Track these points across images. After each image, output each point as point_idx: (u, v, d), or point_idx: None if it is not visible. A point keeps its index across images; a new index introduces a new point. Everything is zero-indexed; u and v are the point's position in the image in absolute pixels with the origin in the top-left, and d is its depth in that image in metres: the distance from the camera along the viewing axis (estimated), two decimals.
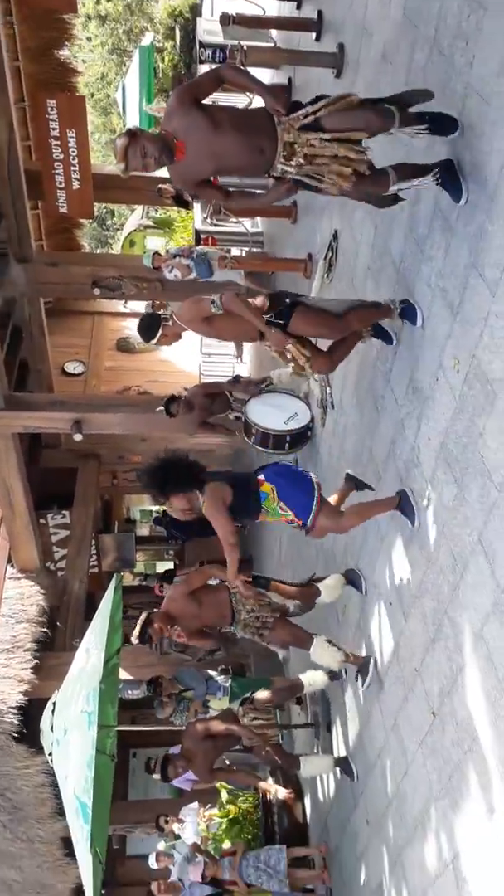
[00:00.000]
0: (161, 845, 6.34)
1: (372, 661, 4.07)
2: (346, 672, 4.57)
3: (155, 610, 4.52)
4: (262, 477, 3.65)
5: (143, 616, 4.46)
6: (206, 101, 2.97)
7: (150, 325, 4.94)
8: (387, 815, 3.84)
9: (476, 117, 2.84)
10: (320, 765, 4.85)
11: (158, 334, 4.87)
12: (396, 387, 3.78)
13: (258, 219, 8.83)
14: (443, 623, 3.13)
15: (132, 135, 2.86)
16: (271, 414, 4.72)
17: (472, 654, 2.85)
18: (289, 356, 3.68)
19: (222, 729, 4.67)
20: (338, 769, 4.70)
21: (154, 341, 4.95)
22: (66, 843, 7.62)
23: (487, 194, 2.74)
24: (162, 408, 5.80)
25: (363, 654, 4.27)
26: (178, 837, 6.47)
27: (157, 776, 5.05)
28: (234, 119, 2.89)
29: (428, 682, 3.29)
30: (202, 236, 7.54)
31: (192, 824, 6.26)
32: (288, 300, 3.71)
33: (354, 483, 4.08)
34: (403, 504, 3.53)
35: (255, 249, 8.20)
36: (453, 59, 3.11)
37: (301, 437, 4.90)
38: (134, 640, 4.56)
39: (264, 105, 2.93)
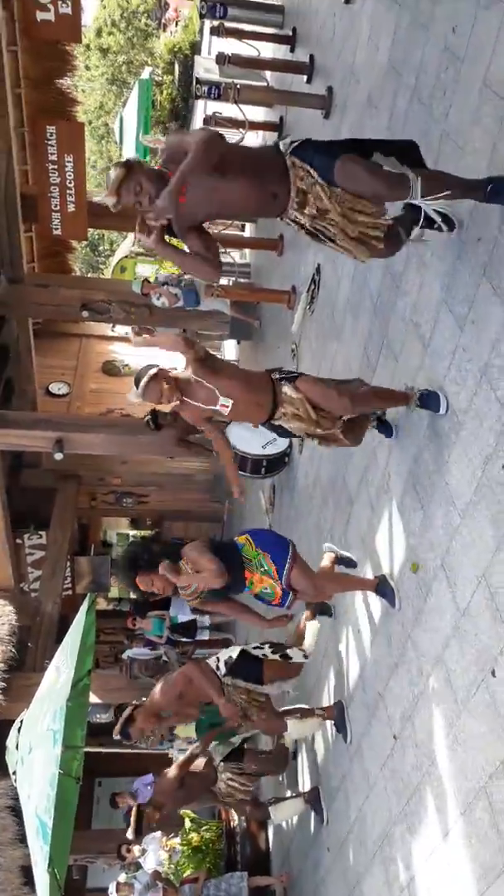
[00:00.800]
0: (122, 876, 6.23)
1: (344, 709, 4.03)
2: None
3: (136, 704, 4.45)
4: (237, 537, 3.66)
5: (126, 712, 4.40)
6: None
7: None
8: (347, 842, 3.84)
9: (451, 164, 3.00)
10: (290, 809, 4.81)
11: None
12: None
13: (246, 250, 9.04)
14: (406, 647, 3.19)
15: (129, 167, 2.58)
16: (250, 438, 4.81)
17: (433, 678, 2.91)
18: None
19: (191, 769, 4.67)
20: (308, 806, 4.66)
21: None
22: (26, 872, 7.43)
23: (461, 235, 2.88)
24: (149, 417, 5.78)
25: (328, 703, 4.29)
26: (139, 867, 6.36)
27: (129, 835, 5.01)
28: (244, 162, 2.62)
29: (391, 706, 3.33)
30: None
31: (154, 853, 6.17)
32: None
33: (336, 558, 3.93)
34: (382, 588, 3.46)
35: (241, 280, 8.38)
36: (431, 107, 3.29)
37: (278, 463, 4.99)
38: (115, 735, 4.52)
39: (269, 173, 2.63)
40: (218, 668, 3.98)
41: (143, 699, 4.26)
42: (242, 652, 4.01)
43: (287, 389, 3.03)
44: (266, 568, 3.48)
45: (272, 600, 3.49)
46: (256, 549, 3.51)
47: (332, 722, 4.14)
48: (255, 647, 4.06)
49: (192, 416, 3.18)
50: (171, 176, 2.54)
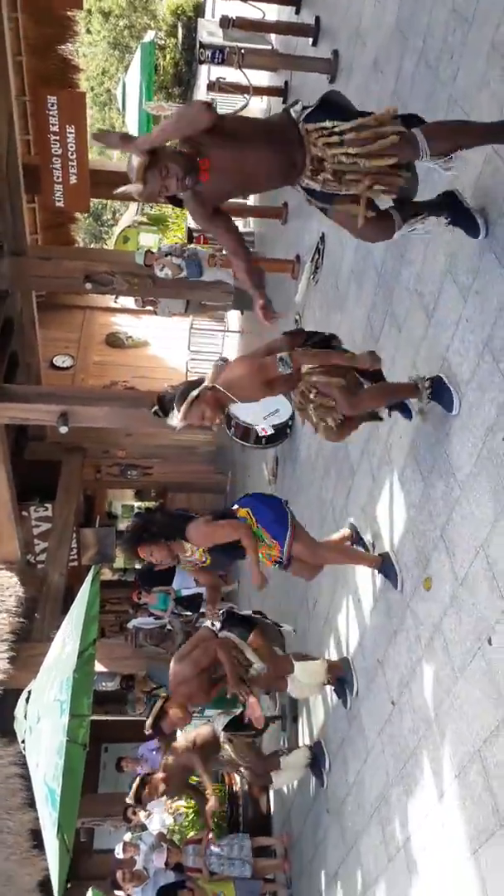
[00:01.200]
0: (127, 836, 6.39)
1: (350, 674, 4.00)
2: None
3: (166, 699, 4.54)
4: (235, 507, 3.67)
5: (157, 705, 4.51)
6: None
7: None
8: (346, 803, 3.93)
9: None
10: (290, 775, 4.89)
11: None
12: None
13: (249, 219, 8.94)
14: (405, 615, 3.23)
15: (153, 153, 2.46)
16: (253, 409, 4.81)
17: (431, 645, 2.95)
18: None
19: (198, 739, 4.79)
20: (307, 770, 4.74)
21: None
22: (35, 835, 7.64)
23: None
24: (156, 408, 5.78)
25: (331, 657, 4.33)
26: (145, 828, 6.52)
27: (128, 799, 5.16)
28: (261, 130, 2.56)
29: (389, 672, 3.39)
30: (194, 234, 7.63)
31: (159, 815, 6.31)
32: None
33: (355, 533, 3.93)
34: (385, 567, 3.45)
35: None
36: (438, 70, 3.23)
37: (280, 434, 5.00)
38: (147, 730, 4.69)
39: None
40: (213, 624, 4.08)
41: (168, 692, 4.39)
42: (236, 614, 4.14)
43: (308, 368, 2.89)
44: (267, 542, 3.53)
45: (268, 561, 3.59)
46: (258, 526, 3.54)
47: (333, 687, 4.19)
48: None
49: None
50: (195, 155, 2.48)
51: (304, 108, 2.57)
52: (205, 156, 2.47)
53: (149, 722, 4.52)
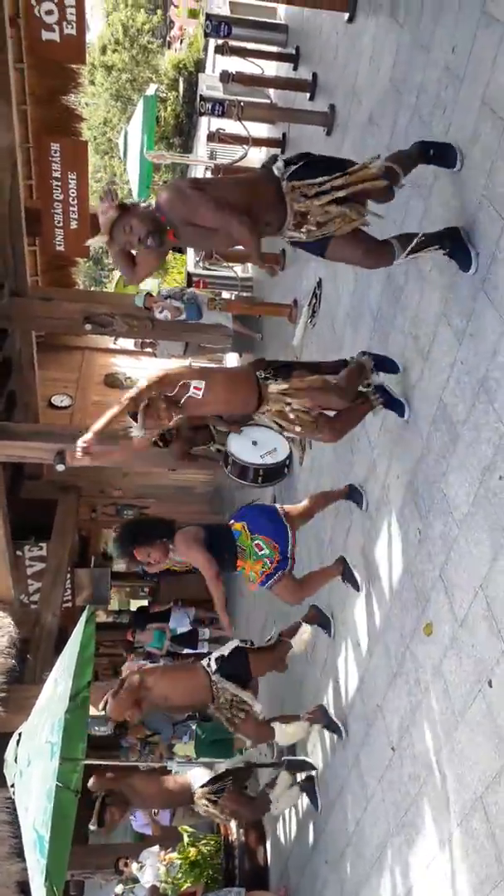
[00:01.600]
0: (119, 888, 6.19)
1: (326, 710, 4.16)
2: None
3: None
4: (231, 521, 3.81)
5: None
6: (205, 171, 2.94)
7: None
8: (345, 854, 3.83)
9: (450, 182, 3.05)
10: (284, 802, 4.79)
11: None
12: (370, 429, 3.91)
13: (248, 264, 9.11)
14: (405, 658, 3.20)
15: (123, 209, 2.60)
16: (250, 447, 4.82)
17: (431, 689, 2.91)
18: (291, 417, 3.20)
19: (169, 784, 4.67)
20: (304, 795, 4.64)
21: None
22: (22, 887, 7.37)
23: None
24: (155, 439, 5.83)
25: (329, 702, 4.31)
26: (137, 881, 6.32)
27: (92, 826, 4.93)
28: (240, 199, 2.61)
29: (389, 716, 3.34)
30: (194, 279, 7.78)
31: (152, 867, 6.13)
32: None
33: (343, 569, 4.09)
34: (346, 573, 3.90)
35: (243, 294, 8.46)
36: (431, 125, 3.35)
37: (277, 472, 4.98)
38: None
39: (265, 171, 2.70)
40: (209, 665, 4.05)
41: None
42: (236, 648, 4.10)
43: (273, 388, 3.16)
44: (259, 555, 3.63)
45: (253, 583, 3.71)
46: (252, 537, 3.64)
47: (322, 725, 4.17)
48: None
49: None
50: (164, 222, 2.62)
51: (286, 163, 2.68)
52: (172, 228, 2.61)
53: (101, 703, 4.39)
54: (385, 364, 3.46)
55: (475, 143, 2.87)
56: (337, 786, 4.06)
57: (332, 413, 3.30)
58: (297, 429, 3.21)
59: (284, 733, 4.17)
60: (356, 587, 3.87)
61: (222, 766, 4.68)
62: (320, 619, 4.43)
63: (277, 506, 3.98)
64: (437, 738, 2.82)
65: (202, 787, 4.58)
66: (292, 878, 5.05)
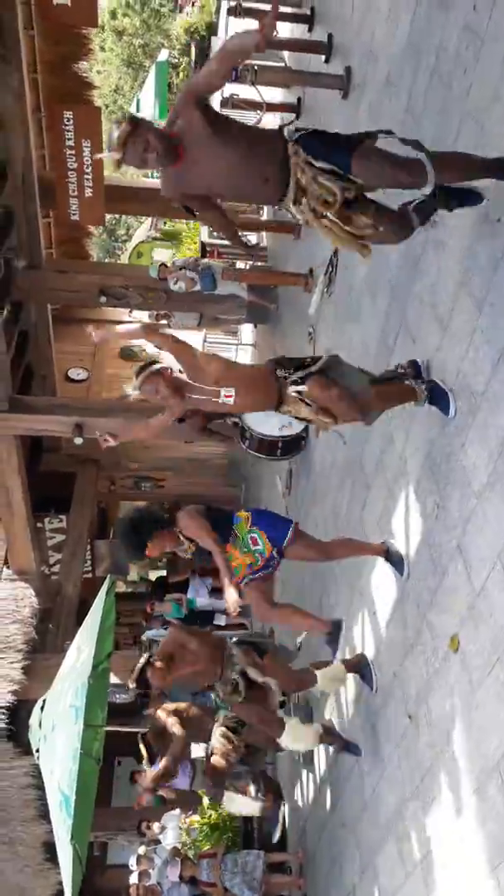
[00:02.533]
0: (141, 849, 6.37)
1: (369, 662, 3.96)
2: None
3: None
4: (240, 511, 3.79)
5: (142, 661, 4.40)
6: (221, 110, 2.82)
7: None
8: (361, 819, 3.90)
9: (471, 143, 2.97)
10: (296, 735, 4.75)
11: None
12: None
13: (263, 233, 9.00)
14: (422, 627, 3.21)
15: (136, 124, 2.47)
16: (267, 420, 4.83)
17: (448, 658, 2.93)
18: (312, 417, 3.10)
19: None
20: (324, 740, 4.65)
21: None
22: (49, 849, 7.61)
23: (479, 212, 2.86)
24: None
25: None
26: (159, 843, 6.50)
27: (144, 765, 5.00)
28: (242, 137, 2.51)
29: (406, 685, 3.37)
30: (208, 249, 7.70)
31: (174, 829, 6.29)
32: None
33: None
34: (391, 556, 3.58)
35: (258, 263, 8.37)
36: (451, 85, 3.25)
37: (294, 445, 5.00)
38: (130, 684, 4.54)
39: (279, 130, 2.56)
40: (232, 638, 4.08)
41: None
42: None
43: (292, 391, 3.06)
44: (252, 549, 3.58)
45: (236, 577, 3.63)
46: (250, 528, 3.61)
47: (357, 674, 4.07)
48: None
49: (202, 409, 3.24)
50: (176, 137, 2.48)
51: (298, 129, 2.55)
52: (182, 143, 2.47)
53: (134, 675, 4.41)
54: (437, 399, 3.05)
55: (497, 103, 2.78)
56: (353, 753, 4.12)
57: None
58: (325, 420, 3.07)
59: (324, 678, 4.06)
60: (334, 652, 3.79)
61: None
62: (361, 667, 3.99)
63: (294, 524, 3.80)
64: (454, 707, 2.84)
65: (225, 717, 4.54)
66: (310, 842, 5.16)
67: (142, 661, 4.24)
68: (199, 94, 2.47)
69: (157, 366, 3.11)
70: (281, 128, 2.59)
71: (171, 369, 3.11)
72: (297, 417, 3.19)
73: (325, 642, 3.95)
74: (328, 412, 3.04)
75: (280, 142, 2.51)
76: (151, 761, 4.71)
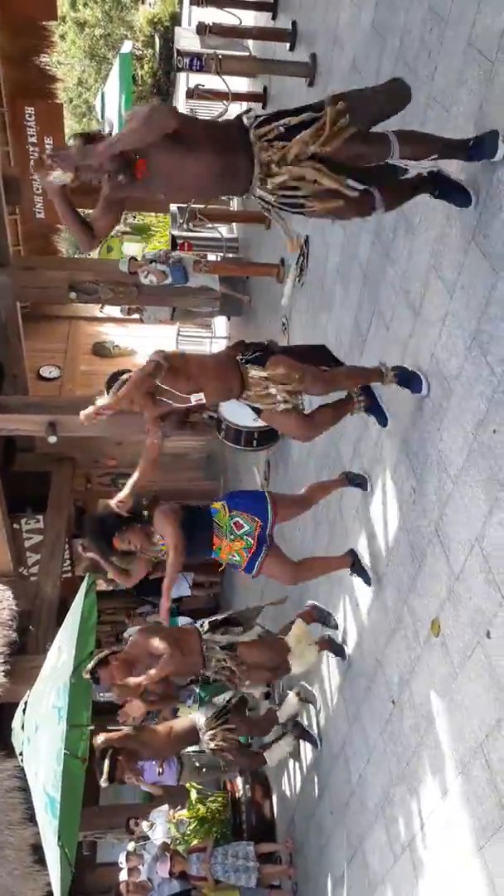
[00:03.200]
0: (131, 846, 6.34)
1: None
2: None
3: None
4: (214, 502, 3.76)
5: (102, 654, 4.28)
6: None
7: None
8: (349, 805, 3.91)
9: (437, 126, 2.97)
10: (283, 748, 4.86)
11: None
12: None
13: (233, 224, 8.96)
14: (402, 612, 3.23)
15: (89, 138, 2.42)
16: (243, 412, 4.80)
17: (429, 642, 2.94)
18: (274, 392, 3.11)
19: (184, 732, 4.68)
20: (297, 742, 4.69)
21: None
22: (37, 850, 7.54)
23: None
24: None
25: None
26: (147, 839, 6.47)
27: (103, 783, 4.76)
28: (205, 136, 2.47)
29: (388, 670, 3.38)
30: (178, 241, 7.64)
31: (162, 825, 6.27)
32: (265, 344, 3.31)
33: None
34: (355, 567, 3.72)
35: (229, 255, 8.32)
36: (417, 69, 3.24)
37: (270, 435, 4.98)
38: (84, 674, 4.41)
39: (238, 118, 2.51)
40: (202, 624, 4.06)
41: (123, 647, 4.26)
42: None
43: (253, 372, 3.09)
44: (238, 533, 3.55)
45: (239, 567, 3.62)
46: (230, 514, 3.57)
47: (331, 651, 4.18)
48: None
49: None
50: (132, 153, 2.39)
51: (257, 116, 2.53)
52: (143, 156, 2.39)
53: (88, 667, 4.31)
54: (411, 382, 3.11)
55: (462, 86, 2.78)
56: (339, 739, 4.13)
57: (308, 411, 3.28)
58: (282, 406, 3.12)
59: (298, 662, 4.11)
60: (367, 581, 3.64)
61: (221, 698, 4.69)
62: (319, 616, 4.27)
63: (266, 492, 3.89)
64: (437, 691, 2.86)
65: (207, 720, 4.58)
66: (298, 830, 5.18)
67: (102, 654, 4.14)
68: (161, 133, 2.38)
69: (125, 376, 3.12)
70: (239, 117, 2.54)
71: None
72: (256, 408, 3.19)
73: (355, 576, 3.81)
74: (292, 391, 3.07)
75: (241, 133, 2.48)
76: (112, 779, 4.41)
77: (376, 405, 3.38)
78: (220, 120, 2.61)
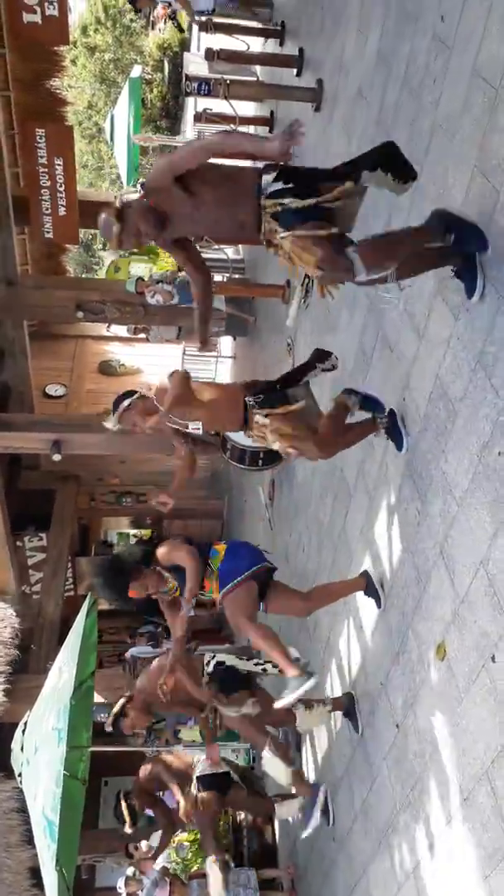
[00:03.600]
0: (130, 871, 6.24)
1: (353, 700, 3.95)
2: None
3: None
4: (218, 543, 3.77)
5: (118, 705, 4.40)
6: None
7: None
8: (352, 831, 3.86)
9: (441, 154, 3.00)
10: (293, 807, 4.79)
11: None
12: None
13: (239, 245, 9.03)
14: (407, 636, 3.20)
15: (120, 218, 2.58)
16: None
17: (434, 665, 2.92)
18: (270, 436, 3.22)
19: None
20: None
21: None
22: (34, 874, 7.44)
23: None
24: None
25: (334, 683, 4.28)
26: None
27: (128, 829, 4.86)
28: (214, 189, 2.55)
29: (392, 695, 3.35)
30: None
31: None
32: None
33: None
34: (369, 588, 3.63)
35: (236, 275, 8.39)
36: (421, 96, 3.29)
37: (275, 455, 4.95)
38: (107, 728, 4.53)
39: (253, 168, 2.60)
40: (208, 663, 4.02)
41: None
42: (232, 667, 4.04)
43: (258, 418, 3.16)
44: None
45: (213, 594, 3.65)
46: (217, 569, 3.61)
47: (342, 713, 4.11)
48: (255, 663, 4.07)
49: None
50: (153, 205, 2.56)
51: (276, 180, 2.51)
52: (163, 209, 2.56)
53: (108, 720, 4.43)
54: (370, 403, 3.38)
55: (466, 114, 2.82)
56: (342, 765, 4.09)
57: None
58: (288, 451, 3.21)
59: (305, 719, 4.08)
60: (379, 604, 3.55)
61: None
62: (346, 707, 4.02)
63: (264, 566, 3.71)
64: (442, 715, 2.83)
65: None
66: (301, 857, 5.10)
67: (117, 707, 4.32)
68: (175, 171, 2.50)
69: (126, 401, 3.22)
70: (259, 173, 2.55)
71: (142, 401, 3.22)
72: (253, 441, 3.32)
73: (366, 595, 3.70)
74: (290, 444, 3.16)
75: (251, 181, 2.53)
76: (134, 823, 4.57)
77: (396, 429, 3.34)
78: (242, 168, 2.67)
